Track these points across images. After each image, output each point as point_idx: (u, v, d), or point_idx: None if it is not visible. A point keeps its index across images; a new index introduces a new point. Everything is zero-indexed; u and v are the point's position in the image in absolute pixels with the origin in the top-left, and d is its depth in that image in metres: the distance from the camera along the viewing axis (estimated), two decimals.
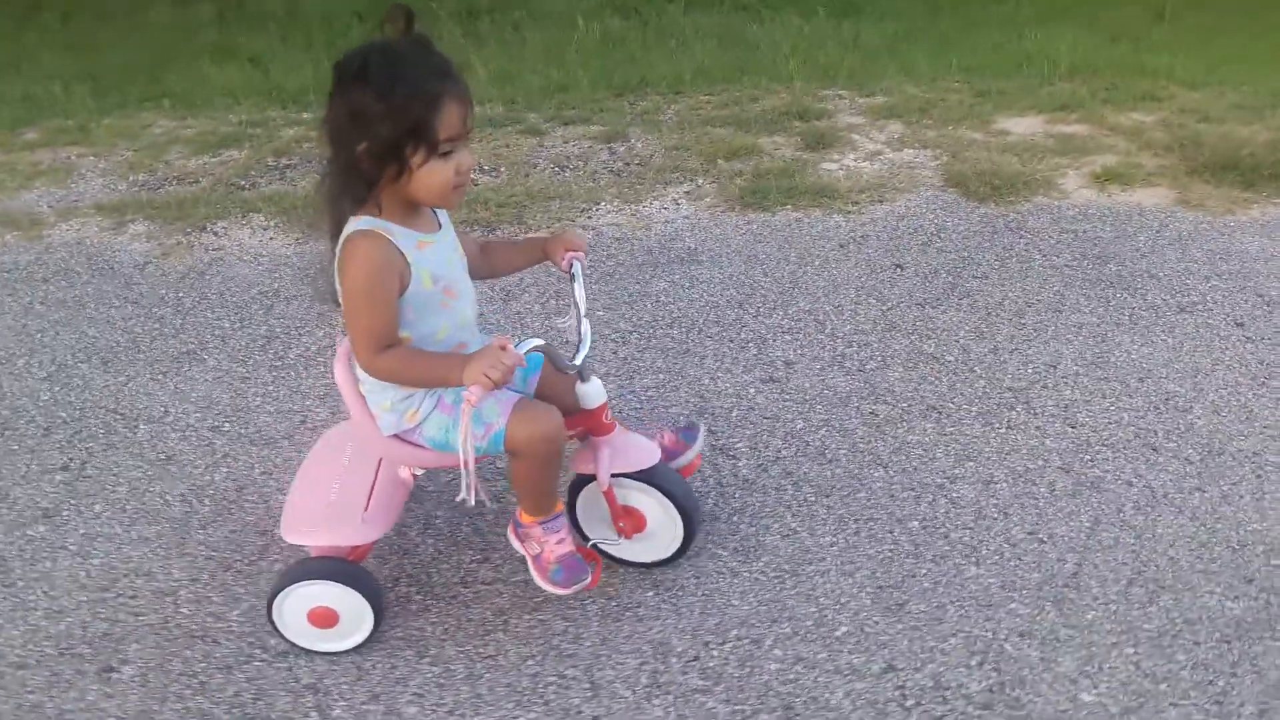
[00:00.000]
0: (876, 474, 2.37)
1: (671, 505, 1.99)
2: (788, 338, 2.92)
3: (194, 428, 2.58)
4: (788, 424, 2.55)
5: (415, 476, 1.97)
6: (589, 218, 3.70)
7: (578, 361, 1.83)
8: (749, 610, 2.00)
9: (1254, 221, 3.53)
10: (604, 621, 1.99)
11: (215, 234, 3.64)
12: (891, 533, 2.19)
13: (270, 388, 2.75)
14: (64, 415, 2.65)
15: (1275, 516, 2.19)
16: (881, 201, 3.76)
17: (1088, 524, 2.19)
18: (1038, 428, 2.51)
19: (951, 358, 2.80)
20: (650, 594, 2.05)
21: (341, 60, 1.56)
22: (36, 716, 1.82)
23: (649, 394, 2.69)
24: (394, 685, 1.86)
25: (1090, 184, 3.84)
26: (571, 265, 1.92)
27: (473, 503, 1.72)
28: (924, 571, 2.08)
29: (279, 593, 1.84)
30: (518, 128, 4.61)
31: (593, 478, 1.94)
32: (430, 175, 1.59)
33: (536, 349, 1.69)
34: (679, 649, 1.92)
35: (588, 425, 1.92)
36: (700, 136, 4.40)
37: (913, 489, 2.32)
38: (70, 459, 2.48)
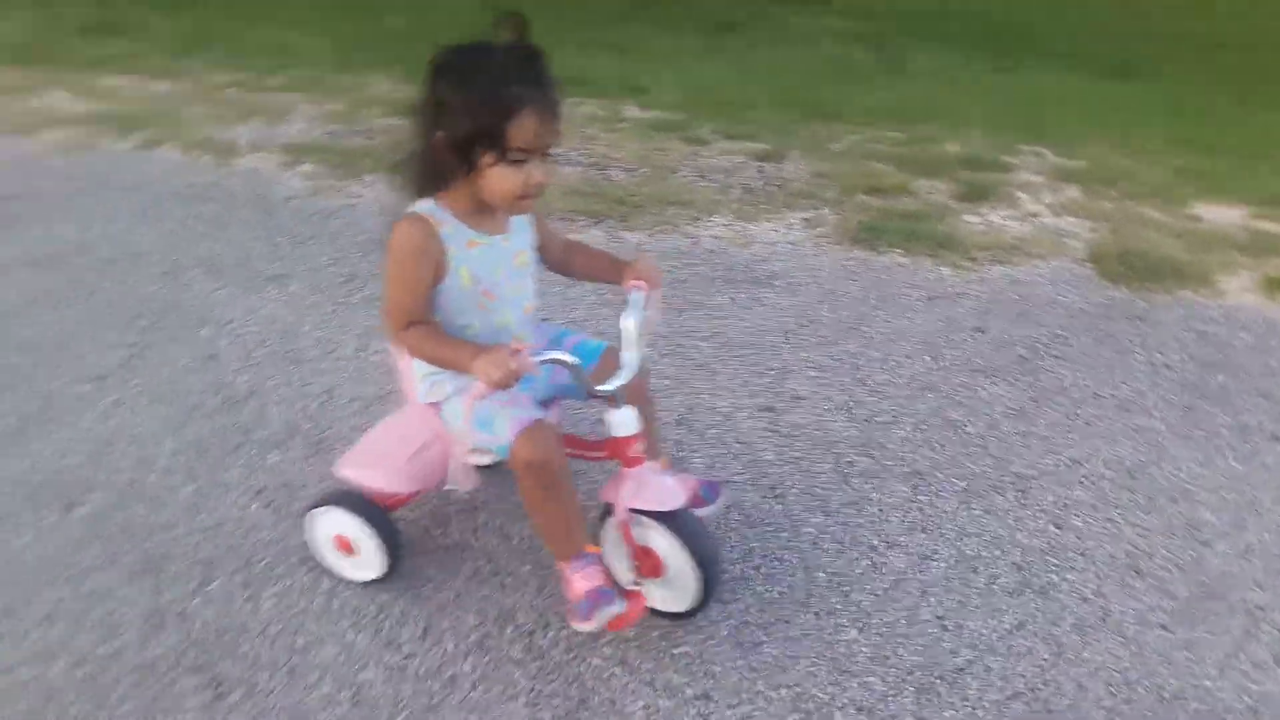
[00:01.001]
0: (814, 519, 2.33)
1: (689, 554, 1.90)
2: (813, 374, 2.89)
3: (244, 336, 2.97)
4: (757, 453, 2.55)
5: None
6: (695, 226, 3.81)
7: (609, 387, 1.82)
8: None
9: None
10: (471, 581, 2.12)
11: (363, 184, 4.09)
12: (791, 576, 2.16)
13: (325, 319, 3.09)
14: (155, 306, 3.13)
15: (1238, 680, 1.94)
16: (1005, 264, 3.58)
17: (1008, 626, 2.05)
18: (1016, 519, 2.35)
19: (972, 430, 2.66)
20: (528, 568, 2.15)
21: (435, 55, 1.66)
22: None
23: None
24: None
25: (1256, 288, 3.45)
26: (631, 290, 1.91)
27: (461, 488, 1.93)
28: (800, 620, 2.05)
29: (312, 509, 2.06)
30: (682, 134, 4.77)
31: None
32: (499, 180, 1.67)
33: (554, 362, 1.72)
34: (519, 621, 2.02)
35: (615, 453, 1.89)
36: (855, 168, 4.37)
37: (841, 543, 2.26)
38: (138, 340, 2.94)
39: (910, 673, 1.93)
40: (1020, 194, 4.16)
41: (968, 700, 1.87)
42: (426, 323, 1.77)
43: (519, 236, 1.86)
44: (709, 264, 3.53)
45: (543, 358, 1.68)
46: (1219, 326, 3.21)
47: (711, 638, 1.99)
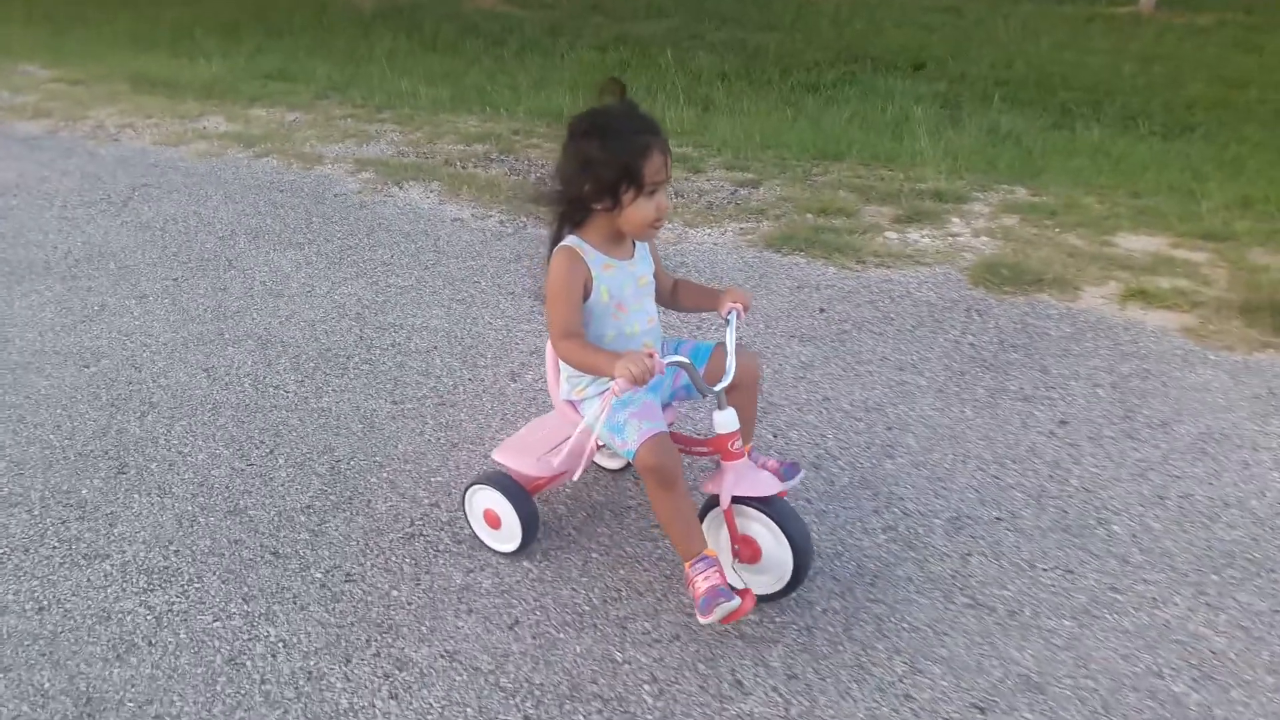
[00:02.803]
0: None
1: (785, 539, 2.24)
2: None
3: (254, 279, 4.12)
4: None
5: (599, 447, 2.49)
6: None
7: (718, 389, 2.25)
8: (487, 590, 2.45)
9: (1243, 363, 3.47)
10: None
11: (400, 188, 5.24)
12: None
13: (315, 272, 4.21)
14: (203, 255, 4.35)
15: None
16: (889, 268, 4.25)
17: None
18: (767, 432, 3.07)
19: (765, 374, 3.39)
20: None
21: (573, 121, 2.16)
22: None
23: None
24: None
25: (1114, 297, 3.94)
26: (729, 313, 2.38)
27: (576, 477, 2.44)
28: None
29: (469, 488, 2.54)
30: (685, 165, 5.66)
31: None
32: (638, 211, 2.16)
33: (676, 363, 2.16)
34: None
35: (716, 448, 2.27)
36: (819, 195, 5.11)
37: None
38: (181, 274, 4.15)
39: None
40: (955, 219, 4.77)
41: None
42: (579, 335, 2.22)
43: (642, 263, 2.35)
44: None
45: (669, 360, 2.14)
46: (1046, 321, 3.76)
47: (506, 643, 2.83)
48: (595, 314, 2.28)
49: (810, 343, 3.61)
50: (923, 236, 4.58)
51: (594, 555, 2.56)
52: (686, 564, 2.24)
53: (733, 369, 2.30)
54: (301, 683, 2.21)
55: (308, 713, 2.12)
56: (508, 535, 2.52)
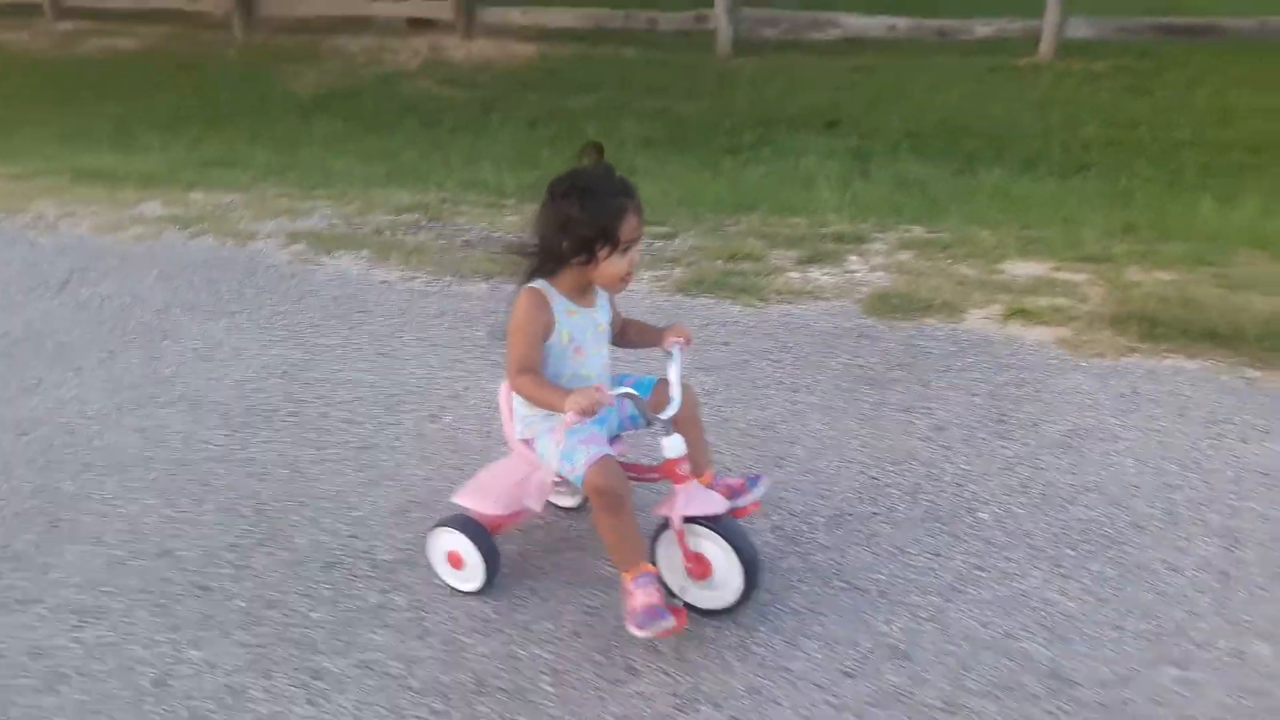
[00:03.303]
0: None
1: (735, 555, 2.40)
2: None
3: (184, 346, 4.31)
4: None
5: (554, 484, 2.63)
6: None
7: (664, 417, 2.43)
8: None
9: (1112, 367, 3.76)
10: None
11: (330, 256, 5.48)
12: None
13: (244, 337, 4.40)
14: (138, 328, 4.53)
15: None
16: (790, 303, 4.53)
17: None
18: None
19: None
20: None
21: (553, 182, 2.34)
22: None
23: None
24: None
25: (997, 317, 4.24)
26: (672, 346, 2.58)
27: (536, 509, 2.64)
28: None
29: (430, 531, 2.67)
30: None
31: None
32: (611, 266, 2.35)
33: (624, 394, 2.38)
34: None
35: (665, 473, 2.44)
36: (730, 244, 5.40)
37: None
38: (116, 347, 4.33)
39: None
40: (854, 258, 5.08)
41: None
42: (536, 371, 2.39)
43: (602, 311, 2.55)
44: None
45: (616, 392, 2.36)
46: (931, 341, 4.05)
47: None
48: (554, 354, 2.46)
49: (714, 372, 3.86)
50: (823, 275, 4.88)
51: (503, 571, 2.75)
52: (627, 576, 2.41)
53: (678, 399, 2.48)
54: (224, 697, 2.38)
55: None
56: (471, 574, 2.64)
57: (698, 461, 2.55)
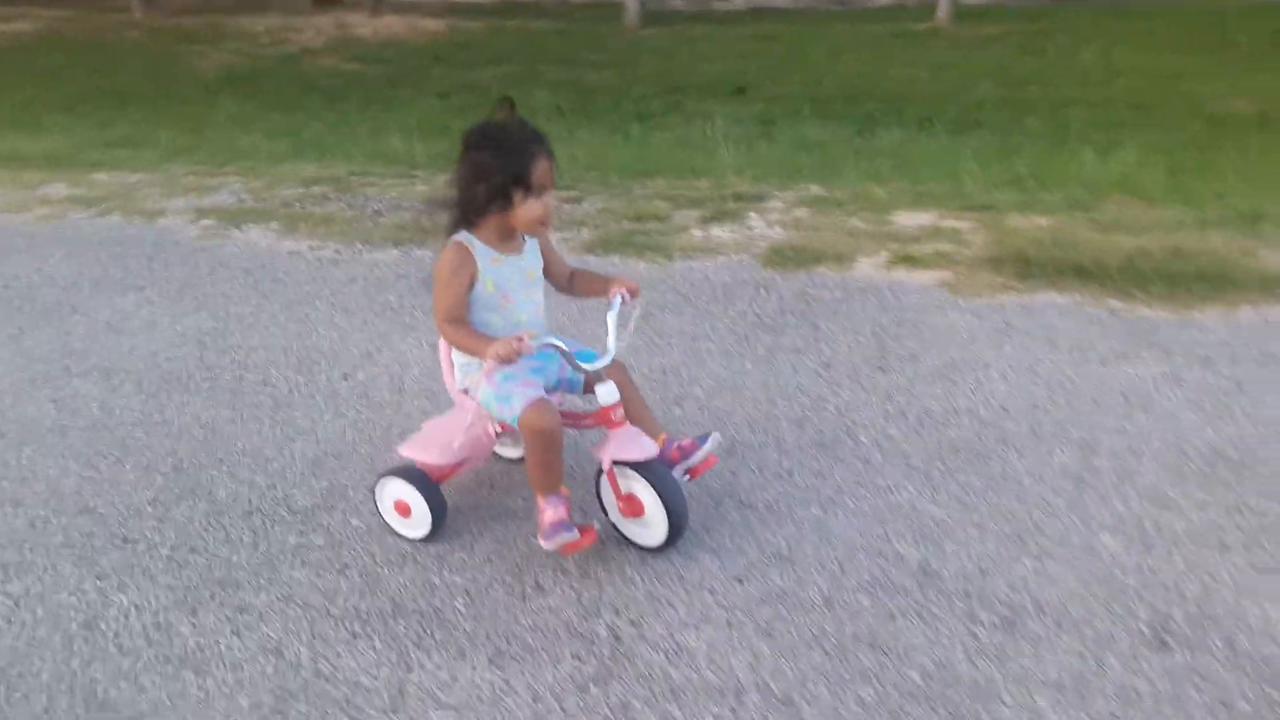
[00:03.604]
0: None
1: (659, 500, 2.53)
2: None
3: (95, 320, 4.36)
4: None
5: (497, 434, 2.76)
6: None
7: (593, 367, 2.54)
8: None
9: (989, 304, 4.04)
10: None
11: (240, 230, 5.53)
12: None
13: (154, 311, 4.47)
14: (47, 304, 4.57)
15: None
16: (692, 259, 4.74)
17: None
18: None
19: None
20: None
21: (466, 134, 2.46)
22: None
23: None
24: None
25: (883, 265, 4.50)
26: (614, 296, 2.66)
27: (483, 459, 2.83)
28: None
29: (379, 480, 2.76)
30: None
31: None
32: (528, 210, 2.45)
33: (549, 345, 2.45)
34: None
35: (601, 419, 2.56)
36: (635, 206, 5.59)
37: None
38: (25, 324, 4.36)
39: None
40: (754, 215, 5.31)
41: None
42: (461, 319, 2.51)
43: (531, 257, 2.64)
44: None
45: (540, 343, 2.42)
46: (822, 289, 4.29)
47: None
48: (481, 303, 2.55)
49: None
50: (724, 232, 5.10)
51: None
52: (541, 497, 2.56)
53: (614, 347, 2.60)
54: (153, 633, 2.51)
55: (159, 655, 2.42)
56: (418, 522, 2.74)
57: (648, 427, 2.65)
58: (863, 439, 3.18)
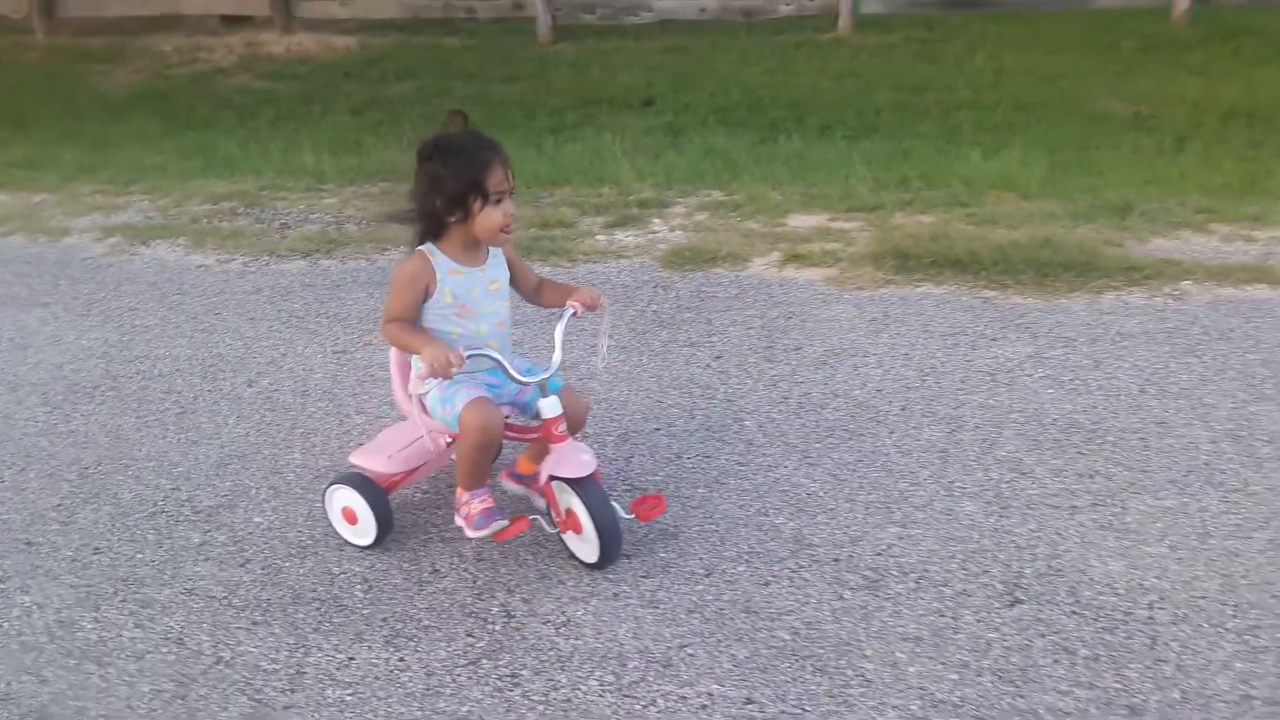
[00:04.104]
0: None
1: (591, 520, 2.55)
2: None
3: (7, 341, 4.39)
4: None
5: (447, 445, 2.77)
6: (379, 248, 5.17)
7: (539, 378, 2.57)
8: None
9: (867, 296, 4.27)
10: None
11: (147, 246, 5.56)
12: None
13: (59, 326, 4.49)
14: None
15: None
16: (596, 262, 4.91)
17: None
18: None
19: None
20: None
21: (420, 146, 2.48)
22: None
23: None
24: None
25: (775, 264, 4.71)
26: (568, 308, 2.72)
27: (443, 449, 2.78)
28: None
29: (328, 487, 2.81)
30: None
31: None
32: (487, 218, 2.48)
33: (480, 354, 2.52)
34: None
35: (544, 433, 2.60)
36: (543, 213, 5.73)
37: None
38: None
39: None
40: (656, 220, 5.49)
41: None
42: (404, 320, 2.52)
43: (494, 269, 2.65)
44: (365, 269, 4.88)
45: (471, 353, 2.46)
46: (716, 287, 4.49)
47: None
48: (437, 313, 2.57)
49: (521, 326, 4.17)
50: (627, 236, 5.27)
51: (317, 504, 3.02)
52: (463, 491, 2.62)
53: (558, 360, 2.63)
54: (55, 630, 2.58)
55: (61, 649, 2.51)
56: (364, 530, 2.79)
57: None
58: (747, 423, 3.36)
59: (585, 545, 2.65)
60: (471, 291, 2.59)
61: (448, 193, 2.45)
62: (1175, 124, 7.40)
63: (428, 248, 2.56)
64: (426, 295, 2.54)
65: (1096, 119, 7.73)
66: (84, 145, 8.84)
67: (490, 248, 2.66)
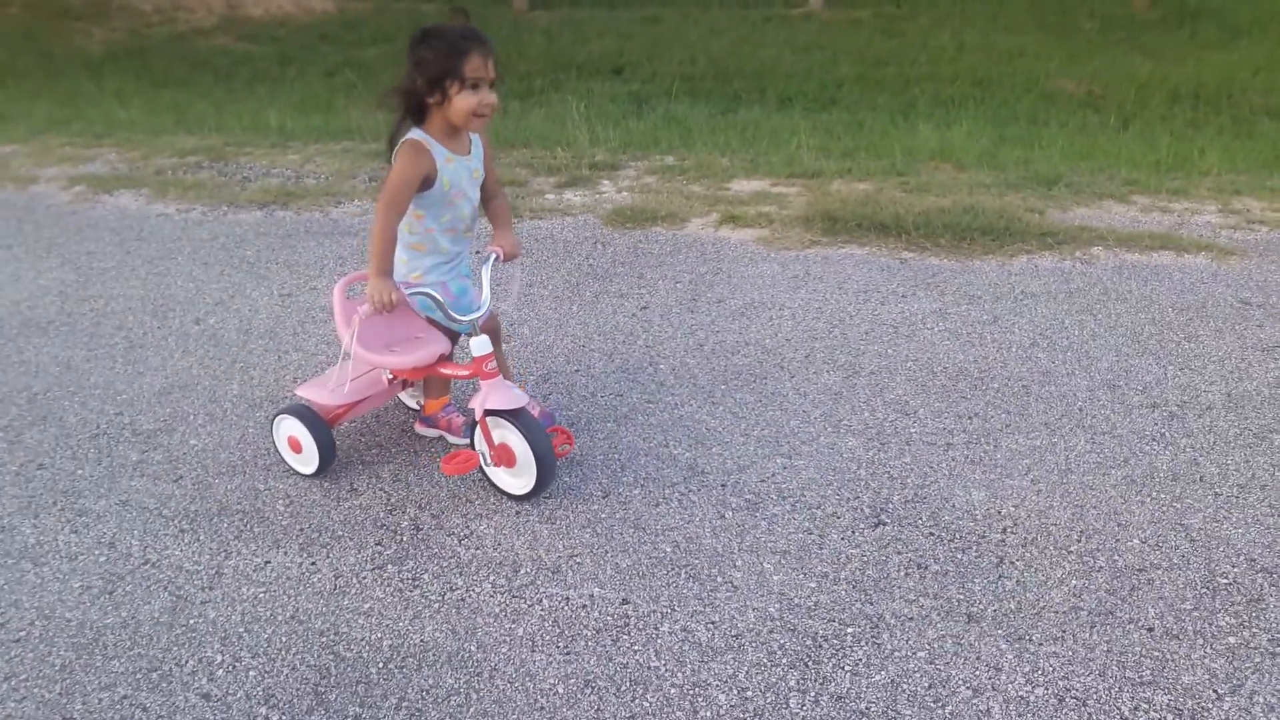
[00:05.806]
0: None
1: (529, 448, 2.71)
2: (329, 265, 4.39)
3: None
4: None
5: (390, 381, 2.97)
6: (334, 201, 5.35)
7: (471, 318, 2.74)
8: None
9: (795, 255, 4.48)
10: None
11: (111, 195, 5.72)
12: None
13: (20, 265, 4.67)
14: None
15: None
16: (541, 219, 5.10)
17: None
18: None
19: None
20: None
21: (415, 32, 2.61)
22: None
23: None
24: None
25: (712, 224, 4.92)
26: (488, 252, 2.85)
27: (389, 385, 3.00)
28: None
29: (275, 417, 2.97)
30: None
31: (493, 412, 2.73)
32: (462, 101, 2.57)
33: (421, 294, 2.70)
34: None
35: (475, 370, 2.74)
36: (498, 171, 5.91)
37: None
38: None
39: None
40: (606, 182, 5.69)
41: None
42: (398, 211, 2.63)
43: (475, 158, 2.79)
44: (315, 221, 5.07)
45: (411, 292, 2.69)
46: (653, 244, 4.69)
47: None
48: (437, 200, 2.71)
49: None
50: (575, 196, 5.47)
51: (250, 430, 3.23)
52: (435, 405, 3.02)
53: (486, 302, 2.80)
54: None
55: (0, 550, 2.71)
56: (308, 459, 2.94)
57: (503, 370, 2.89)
58: (662, 366, 3.58)
59: (517, 478, 2.82)
60: (462, 179, 2.75)
61: (428, 74, 2.58)
62: (1123, 103, 7.62)
63: (421, 135, 2.66)
64: (428, 184, 2.67)
65: (1048, 96, 7.94)
66: (58, 100, 8.97)
67: (472, 135, 2.79)
